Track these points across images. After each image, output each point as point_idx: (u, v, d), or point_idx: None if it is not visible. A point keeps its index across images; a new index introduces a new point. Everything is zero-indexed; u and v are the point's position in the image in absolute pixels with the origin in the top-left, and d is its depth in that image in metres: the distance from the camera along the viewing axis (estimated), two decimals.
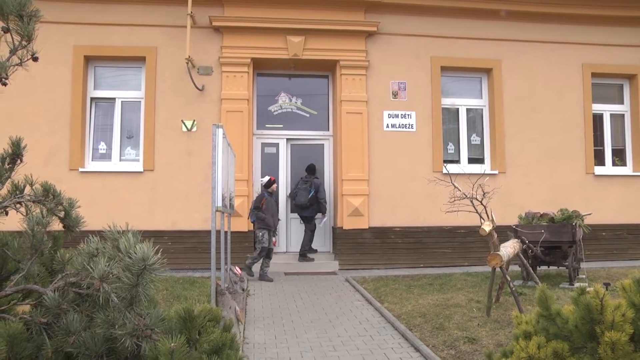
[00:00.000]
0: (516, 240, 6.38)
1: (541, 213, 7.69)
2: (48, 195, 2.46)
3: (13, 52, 2.26)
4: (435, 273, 8.52)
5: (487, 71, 10.11)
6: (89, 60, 9.24)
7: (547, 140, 9.96)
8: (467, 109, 10.22)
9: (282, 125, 10.06)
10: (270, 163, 9.93)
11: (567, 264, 7.23)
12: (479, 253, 8.98)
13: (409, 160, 9.55)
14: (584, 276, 7.41)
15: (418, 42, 9.76)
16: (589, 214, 7.65)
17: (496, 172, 9.70)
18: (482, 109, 10.23)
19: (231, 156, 7.02)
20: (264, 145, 10.00)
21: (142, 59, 9.25)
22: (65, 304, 2.06)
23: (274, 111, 10.09)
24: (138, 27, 9.15)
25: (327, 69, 10.01)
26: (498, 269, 5.33)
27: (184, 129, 9.13)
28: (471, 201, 5.46)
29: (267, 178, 8.64)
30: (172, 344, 1.83)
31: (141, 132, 9.23)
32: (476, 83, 10.30)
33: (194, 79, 9.02)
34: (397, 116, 9.63)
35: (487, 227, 5.14)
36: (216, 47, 9.31)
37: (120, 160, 9.30)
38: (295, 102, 10.14)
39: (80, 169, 8.91)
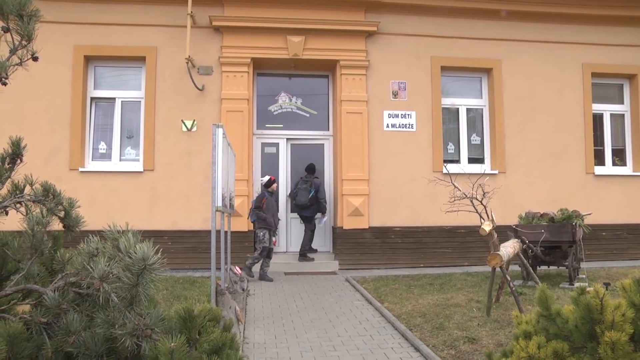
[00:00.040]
0: (516, 240, 6.38)
1: (541, 213, 7.68)
2: (48, 195, 2.46)
3: (13, 51, 2.26)
4: (435, 273, 8.52)
5: (487, 71, 10.11)
6: (89, 60, 9.24)
7: (547, 140, 9.96)
8: (467, 108, 10.22)
9: (282, 125, 10.06)
10: (270, 163, 9.93)
11: (567, 263, 7.23)
12: (479, 253, 8.98)
13: (409, 160, 9.55)
14: (584, 276, 7.40)
15: (418, 42, 9.76)
16: (589, 214, 7.64)
17: (496, 172, 9.70)
18: (482, 109, 10.22)
19: (231, 156, 7.02)
20: (264, 145, 10.00)
21: (142, 59, 9.25)
22: (65, 303, 2.06)
23: (274, 111, 10.09)
24: (138, 27, 9.14)
25: (327, 68, 10.01)
26: (498, 269, 5.33)
27: (184, 128, 9.13)
28: (471, 201, 5.46)
29: (267, 178, 8.65)
30: (172, 344, 1.83)
31: (141, 132, 9.24)
32: (476, 83, 10.30)
33: (194, 78, 9.02)
34: (397, 116, 9.63)
35: (487, 227, 5.14)
36: (216, 47, 9.31)
37: (120, 160, 9.30)
38: (295, 102, 10.13)
39: (80, 169, 8.91)
